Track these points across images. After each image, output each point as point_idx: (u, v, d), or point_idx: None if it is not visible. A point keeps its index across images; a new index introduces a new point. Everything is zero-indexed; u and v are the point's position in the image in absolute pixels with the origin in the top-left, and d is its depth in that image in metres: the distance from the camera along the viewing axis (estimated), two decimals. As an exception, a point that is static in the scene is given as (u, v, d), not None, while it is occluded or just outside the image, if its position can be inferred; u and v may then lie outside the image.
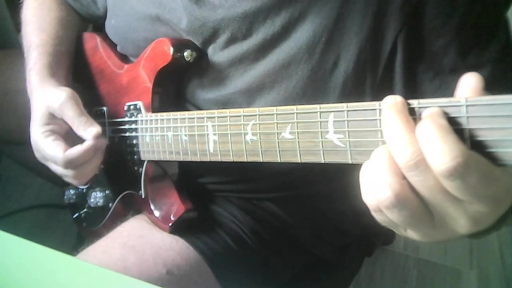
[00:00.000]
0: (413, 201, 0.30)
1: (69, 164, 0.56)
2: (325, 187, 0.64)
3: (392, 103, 0.31)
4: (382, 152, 0.31)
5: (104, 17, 0.65)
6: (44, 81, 0.61)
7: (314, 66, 0.48)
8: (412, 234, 0.33)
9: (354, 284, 0.77)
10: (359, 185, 0.33)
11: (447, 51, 0.45)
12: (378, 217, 0.33)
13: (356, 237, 0.73)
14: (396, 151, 0.29)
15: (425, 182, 0.29)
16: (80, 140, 0.57)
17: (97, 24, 0.70)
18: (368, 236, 0.79)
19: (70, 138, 0.58)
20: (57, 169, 0.58)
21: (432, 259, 1.22)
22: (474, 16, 0.44)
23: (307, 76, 0.48)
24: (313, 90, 0.49)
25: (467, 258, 1.22)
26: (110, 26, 0.64)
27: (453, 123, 0.28)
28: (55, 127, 0.58)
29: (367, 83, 0.48)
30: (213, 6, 0.51)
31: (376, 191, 0.30)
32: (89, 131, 0.56)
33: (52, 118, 0.58)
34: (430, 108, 0.29)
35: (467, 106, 0.28)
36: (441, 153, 0.27)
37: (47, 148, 0.56)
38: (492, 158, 0.27)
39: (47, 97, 0.58)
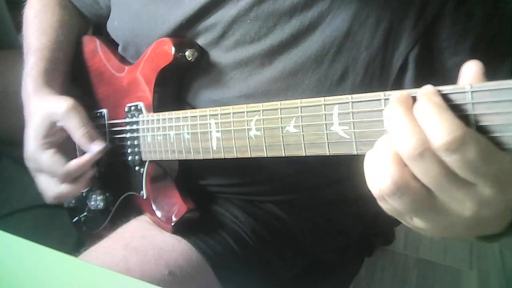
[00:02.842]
0: (414, 187, 0.30)
1: (68, 176, 0.56)
2: (326, 190, 0.64)
3: (397, 96, 0.31)
4: (383, 141, 0.31)
5: (107, 16, 0.66)
6: (40, 90, 0.60)
7: (321, 77, 0.48)
8: (418, 222, 0.33)
9: (354, 284, 0.77)
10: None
11: (460, 70, 0.45)
12: (383, 205, 0.33)
13: (356, 237, 0.73)
14: (398, 141, 0.29)
15: (429, 171, 0.29)
16: (73, 149, 0.57)
17: (101, 23, 0.70)
18: (368, 236, 0.79)
19: (65, 147, 0.58)
20: (49, 183, 0.58)
21: (432, 259, 1.22)
22: (488, 36, 0.44)
23: (313, 86, 0.48)
24: None
25: (467, 258, 1.22)
26: (112, 27, 0.64)
27: (459, 110, 0.29)
28: (54, 138, 0.58)
29: None
30: (225, 8, 0.51)
31: (377, 180, 0.31)
32: (95, 144, 0.56)
33: (52, 128, 0.57)
34: (425, 87, 0.30)
35: (472, 92, 0.28)
36: (439, 128, 0.27)
37: (47, 161, 0.56)
38: (498, 143, 0.28)
39: (49, 105, 0.58)
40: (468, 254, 1.23)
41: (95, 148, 0.56)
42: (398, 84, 0.47)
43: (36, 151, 0.57)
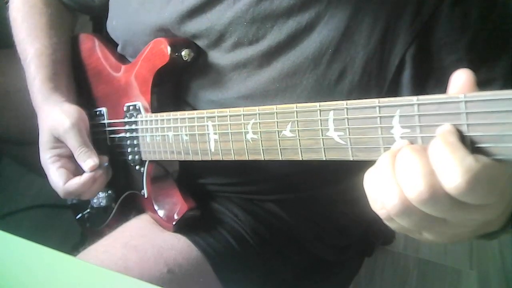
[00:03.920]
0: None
1: (69, 195, 0.58)
2: (326, 189, 0.64)
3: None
4: (386, 160, 0.30)
5: (100, 9, 0.65)
6: (47, 99, 0.61)
7: (319, 77, 0.48)
8: (427, 236, 0.32)
9: (354, 284, 0.77)
10: (360, 187, 0.33)
11: (457, 67, 0.44)
12: (390, 225, 0.32)
13: (357, 237, 0.74)
14: (407, 184, 0.28)
15: (437, 211, 0.28)
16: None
17: (93, 15, 0.70)
18: (368, 236, 0.79)
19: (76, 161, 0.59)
20: (56, 187, 0.60)
21: (432, 259, 1.21)
22: (485, 32, 0.44)
23: (311, 86, 0.48)
24: (317, 101, 0.49)
25: (467, 258, 1.22)
26: (111, 26, 0.64)
27: (452, 120, 0.29)
28: (62, 150, 0.60)
29: (372, 96, 0.47)
30: (221, 10, 0.51)
31: (383, 200, 0.30)
32: (87, 163, 0.57)
33: (57, 141, 0.59)
34: (442, 126, 0.29)
35: (465, 102, 0.28)
36: (450, 170, 0.26)
37: (51, 175, 0.58)
38: (492, 153, 0.27)
39: (51, 122, 0.59)
40: (468, 254, 1.23)
41: (87, 165, 0.57)
42: (395, 83, 0.47)
43: (45, 162, 0.60)
